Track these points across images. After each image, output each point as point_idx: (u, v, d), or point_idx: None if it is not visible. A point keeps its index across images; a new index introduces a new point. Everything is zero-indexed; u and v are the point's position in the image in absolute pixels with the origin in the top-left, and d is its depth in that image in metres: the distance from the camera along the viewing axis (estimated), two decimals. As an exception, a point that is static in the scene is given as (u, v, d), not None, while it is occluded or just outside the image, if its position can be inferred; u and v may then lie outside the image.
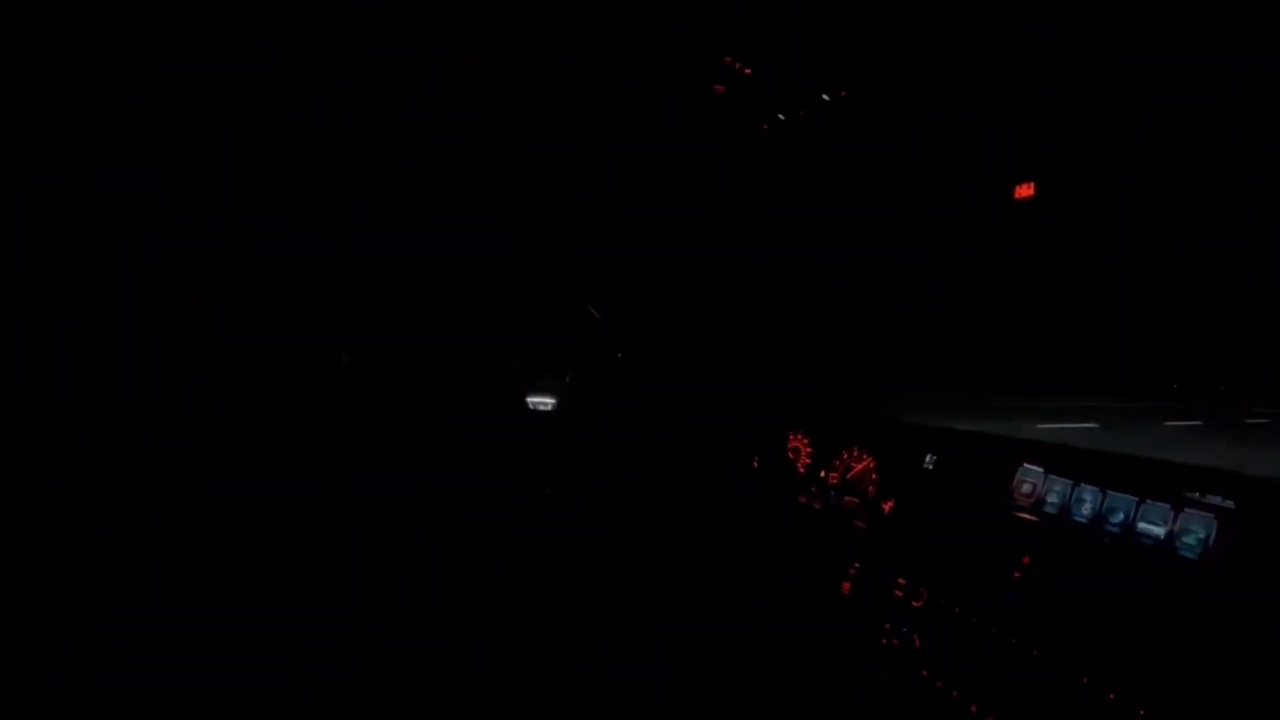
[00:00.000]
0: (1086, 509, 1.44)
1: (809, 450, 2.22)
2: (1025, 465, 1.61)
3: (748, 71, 2.36)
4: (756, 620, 1.99)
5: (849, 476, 2.05)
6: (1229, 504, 1.19)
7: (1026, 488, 1.59)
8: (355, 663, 1.73)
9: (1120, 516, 1.37)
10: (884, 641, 1.65)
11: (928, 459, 1.87)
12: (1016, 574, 1.44)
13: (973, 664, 1.42)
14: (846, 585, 1.86)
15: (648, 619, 2.06)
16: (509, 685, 1.80)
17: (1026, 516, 1.55)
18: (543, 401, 2.84)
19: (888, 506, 1.90)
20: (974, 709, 1.37)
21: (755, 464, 2.33)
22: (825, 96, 2.39)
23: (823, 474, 2.14)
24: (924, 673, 1.53)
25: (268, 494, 1.94)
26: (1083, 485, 1.46)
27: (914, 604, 1.65)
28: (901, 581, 1.71)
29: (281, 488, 1.95)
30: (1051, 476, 1.54)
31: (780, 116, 2.50)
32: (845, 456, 2.08)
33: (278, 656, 1.65)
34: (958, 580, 1.59)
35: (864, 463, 2.03)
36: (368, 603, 1.95)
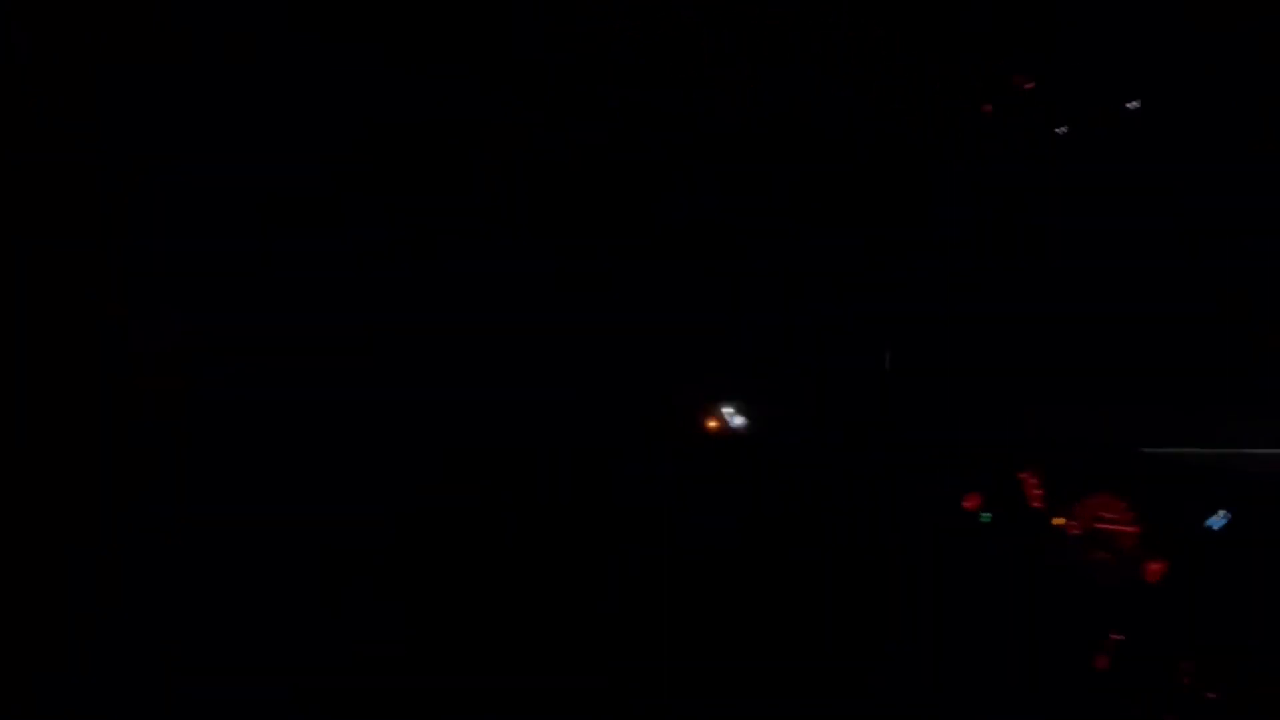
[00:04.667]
0: None
1: (1037, 493, 1.72)
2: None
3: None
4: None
5: (1098, 528, 1.64)
6: None
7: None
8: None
9: None
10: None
11: (1219, 515, 1.50)
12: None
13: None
14: (1103, 660, 1.61)
15: None
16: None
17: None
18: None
19: (1156, 570, 1.57)
20: None
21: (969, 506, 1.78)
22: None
23: (1058, 522, 1.69)
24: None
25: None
26: None
27: (1208, 695, 1.47)
28: (1188, 666, 1.49)
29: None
30: None
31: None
32: (1089, 504, 1.64)
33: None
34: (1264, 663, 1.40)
35: (1118, 513, 1.61)
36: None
